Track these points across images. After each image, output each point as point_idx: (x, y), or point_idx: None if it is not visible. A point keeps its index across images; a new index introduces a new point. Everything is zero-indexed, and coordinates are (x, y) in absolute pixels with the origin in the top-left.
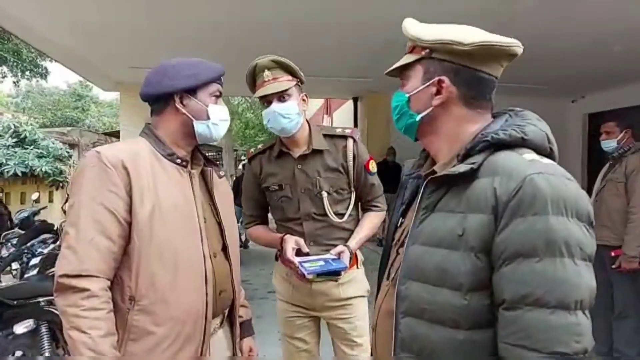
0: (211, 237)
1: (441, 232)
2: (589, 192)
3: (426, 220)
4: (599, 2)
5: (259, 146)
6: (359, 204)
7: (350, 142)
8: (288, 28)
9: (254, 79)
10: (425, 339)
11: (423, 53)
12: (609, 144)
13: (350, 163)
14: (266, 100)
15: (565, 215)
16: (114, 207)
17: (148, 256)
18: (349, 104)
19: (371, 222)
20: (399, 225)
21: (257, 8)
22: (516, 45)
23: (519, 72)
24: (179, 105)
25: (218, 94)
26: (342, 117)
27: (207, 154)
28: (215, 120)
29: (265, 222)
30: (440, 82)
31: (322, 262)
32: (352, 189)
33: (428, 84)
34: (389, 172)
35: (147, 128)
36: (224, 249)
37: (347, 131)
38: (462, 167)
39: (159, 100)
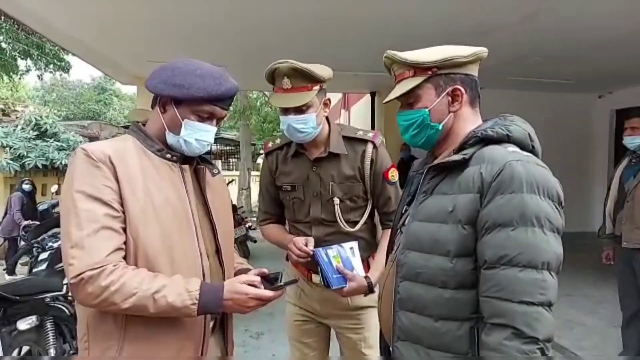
0: (204, 237)
1: (435, 210)
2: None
3: (425, 202)
4: None
5: (277, 141)
6: (377, 213)
7: (369, 147)
8: (305, 23)
9: (272, 81)
10: (419, 298)
11: (430, 72)
12: (633, 140)
13: (367, 169)
14: (283, 108)
15: (537, 193)
16: (109, 200)
17: (144, 253)
18: (367, 98)
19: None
20: (404, 212)
21: (276, 3)
22: (486, 51)
23: (543, 66)
24: (159, 109)
25: (206, 115)
26: (360, 112)
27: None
28: (188, 138)
29: (281, 221)
30: (455, 90)
31: (333, 265)
32: (369, 196)
33: (443, 95)
34: (405, 168)
35: (134, 125)
36: (217, 251)
37: (369, 135)
38: (456, 157)
39: (154, 96)
